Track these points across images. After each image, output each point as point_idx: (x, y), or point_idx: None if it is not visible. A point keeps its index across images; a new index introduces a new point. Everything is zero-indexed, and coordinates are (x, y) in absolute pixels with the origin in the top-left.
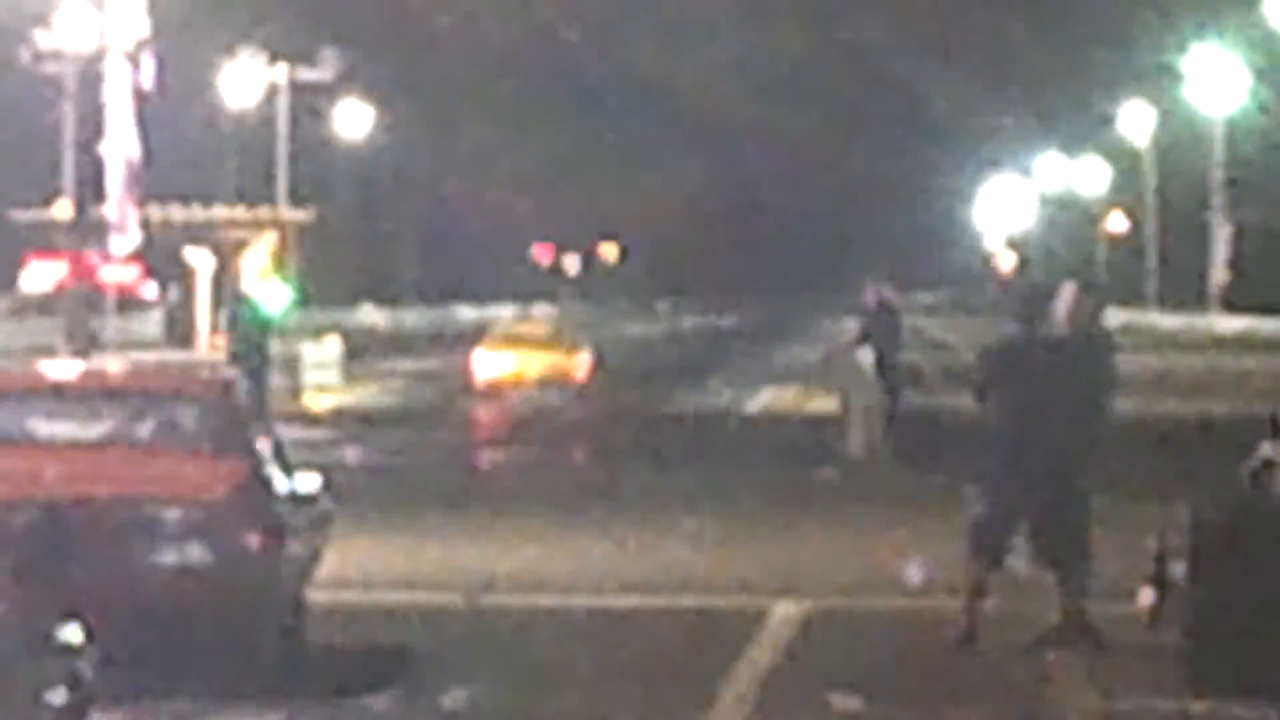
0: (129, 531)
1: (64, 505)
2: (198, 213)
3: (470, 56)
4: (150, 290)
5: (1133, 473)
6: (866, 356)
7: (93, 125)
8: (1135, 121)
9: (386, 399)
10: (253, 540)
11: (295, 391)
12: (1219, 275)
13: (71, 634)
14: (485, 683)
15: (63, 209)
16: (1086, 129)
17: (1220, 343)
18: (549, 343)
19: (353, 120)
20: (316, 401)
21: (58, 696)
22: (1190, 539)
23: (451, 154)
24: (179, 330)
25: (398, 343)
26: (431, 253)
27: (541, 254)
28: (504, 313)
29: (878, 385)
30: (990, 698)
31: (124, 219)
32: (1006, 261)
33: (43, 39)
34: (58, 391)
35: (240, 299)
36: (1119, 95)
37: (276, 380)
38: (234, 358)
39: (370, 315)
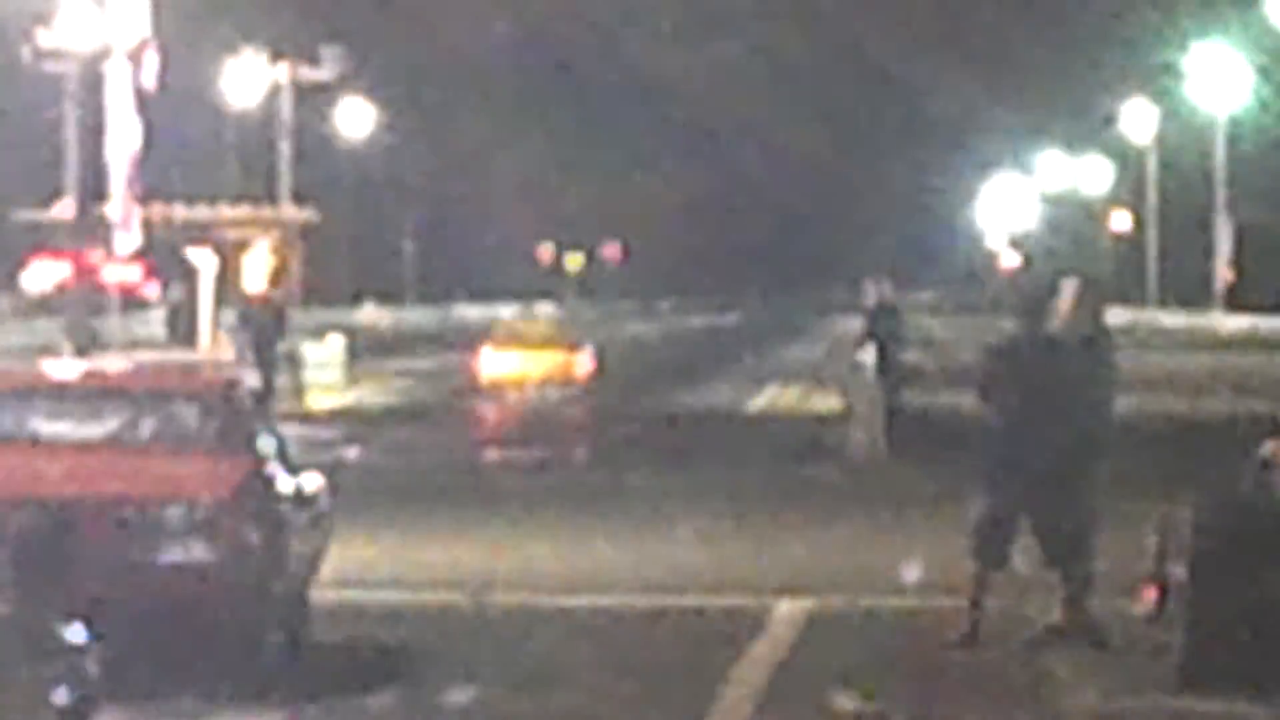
0: (132, 531)
1: (67, 505)
2: (200, 212)
3: (472, 56)
4: (152, 290)
5: (1134, 471)
6: (868, 355)
7: (95, 125)
8: (1137, 120)
9: (388, 398)
10: (255, 539)
11: (297, 391)
12: (1221, 274)
13: (75, 633)
14: (487, 682)
15: (65, 208)
16: (1088, 127)
17: (1222, 341)
18: (551, 342)
19: (355, 120)
20: (318, 401)
21: (62, 695)
22: (1192, 538)
23: (453, 153)
24: (181, 330)
25: (400, 342)
26: (433, 252)
27: (543, 253)
28: (506, 312)
29: (879, 384)
30: (992, 697)
31: (126, 218)
32: (1009, 260)
33: (44, 38)
34: (60, 391)
35: (250, 299)
36: (1121, 93)
37: (279, 379)
38: (244, 358)
39: (372, 314)
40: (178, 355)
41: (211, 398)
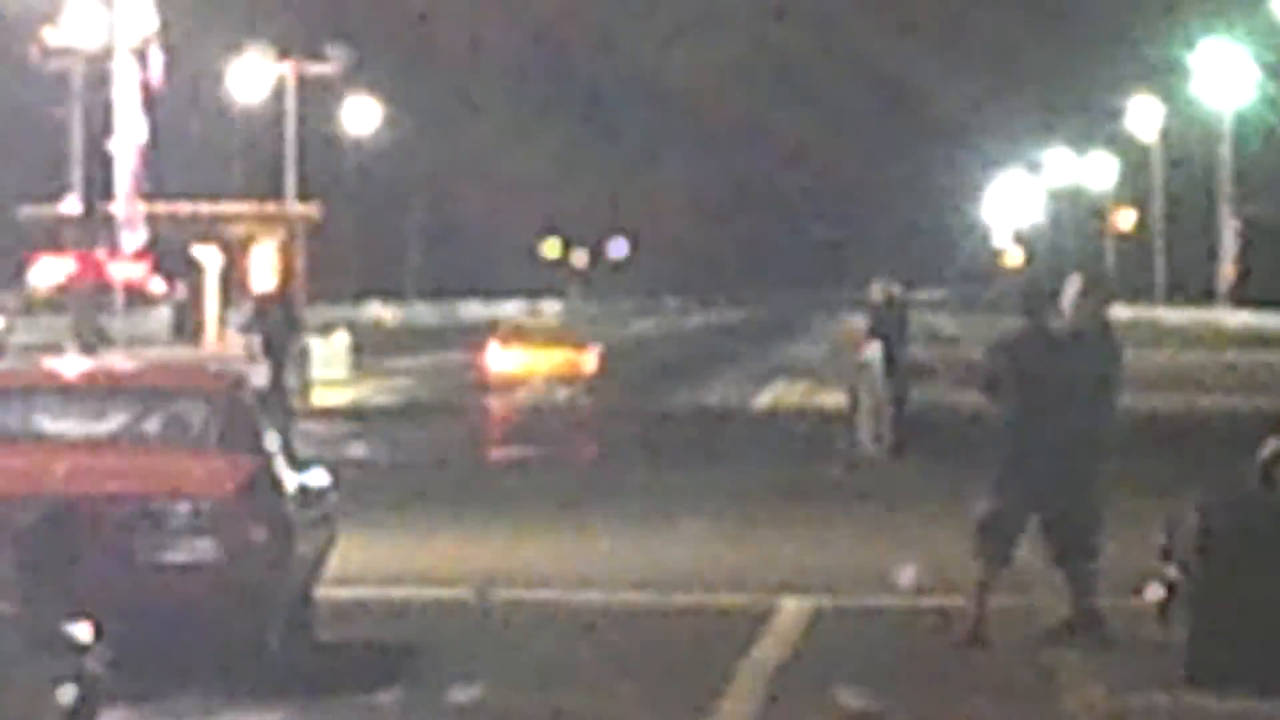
0: (137, 528)
1: (72, 502)
2: (205, 208)
3: (478, 52)
4: (158, 286)
5: (1140, 468)
6: (874, 352)
7: (101, 122)
8: (1143, 116)
9: (394, 395)
10: (260, 536)
11: (303, 387)
12: (1227, 270)
13: (80, 631)
14: (492, 678)
15: (71, 206)
16: (1094, 124)
17: (1227, 338)
18: (558, 339)
19: (361, 116)
20: (324, 397)
21: (67, 694)
22: (1197, 535)
23: (459, 150)
24: (187, 326)
25: (405, 338)
26: (439, 248)
27: (549, 250)
28: (511, 309)
29: (885, 381)
30: (998, 694)
31: (132, 215)
32: (1015, 257)
33: (50, 36)
34: (66, 388)
35: (262, 298)
36: (1127, 90)
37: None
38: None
39: (378, 311)
40: (183, 352)
41: (217, 396)
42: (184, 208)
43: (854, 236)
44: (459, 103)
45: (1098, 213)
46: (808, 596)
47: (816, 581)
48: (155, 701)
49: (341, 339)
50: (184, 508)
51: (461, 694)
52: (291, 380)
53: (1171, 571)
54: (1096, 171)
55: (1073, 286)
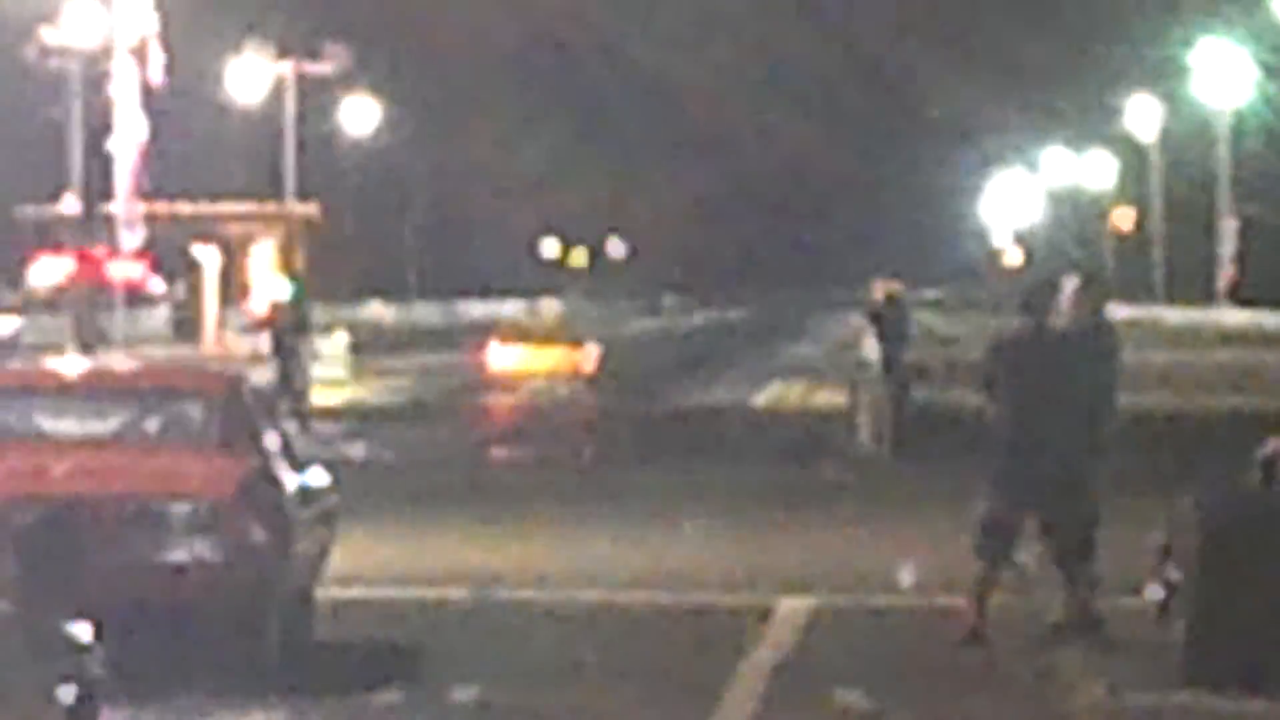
0: (137, 528)
1: (71, 503)
2: (205, 208)
3: (478, 52)
4: (157, 286)
5: (1139, 468)
6: (873, 352)
7: (100, 122)
8: (1142, 116)
9: (393, 394)
10: (260, 536)
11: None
12: (1226, 270)
13: (80, 631)
14: (492, 678)
15: (70, 205)
16: (1093, 123)
17: (1226, 337)
18: (557, 337)
19: (360, 115)
20: (323, 397)
21: (67, 694)
22: (1197, 534)
23: (458, 149)
24: (186, 326)
25: (404, 338)
26: (438, 248)
27: (548, 250)
28: (510, 308)
29: (884, 381)
30: (997, 694)
31: (131, 215)
32: (1014, 257)
33: (49, 35)
34: (65, 388)
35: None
36: (1125, 90)
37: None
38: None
39: (377, 310)
40: (182, 352)
41: (216, 395)
42: (183, 207)
43: (853, 236)
44: (458, 102)
45: (1097, 212)
46: (807, 596)
47: (816, 581)
48: (155, 701)
49: (341, 339)
50: (183, 508)
51: (461, 694)
52: (300, 381)
53: (1171, 571)
54: (1095, 171)
55: (1070, 286)
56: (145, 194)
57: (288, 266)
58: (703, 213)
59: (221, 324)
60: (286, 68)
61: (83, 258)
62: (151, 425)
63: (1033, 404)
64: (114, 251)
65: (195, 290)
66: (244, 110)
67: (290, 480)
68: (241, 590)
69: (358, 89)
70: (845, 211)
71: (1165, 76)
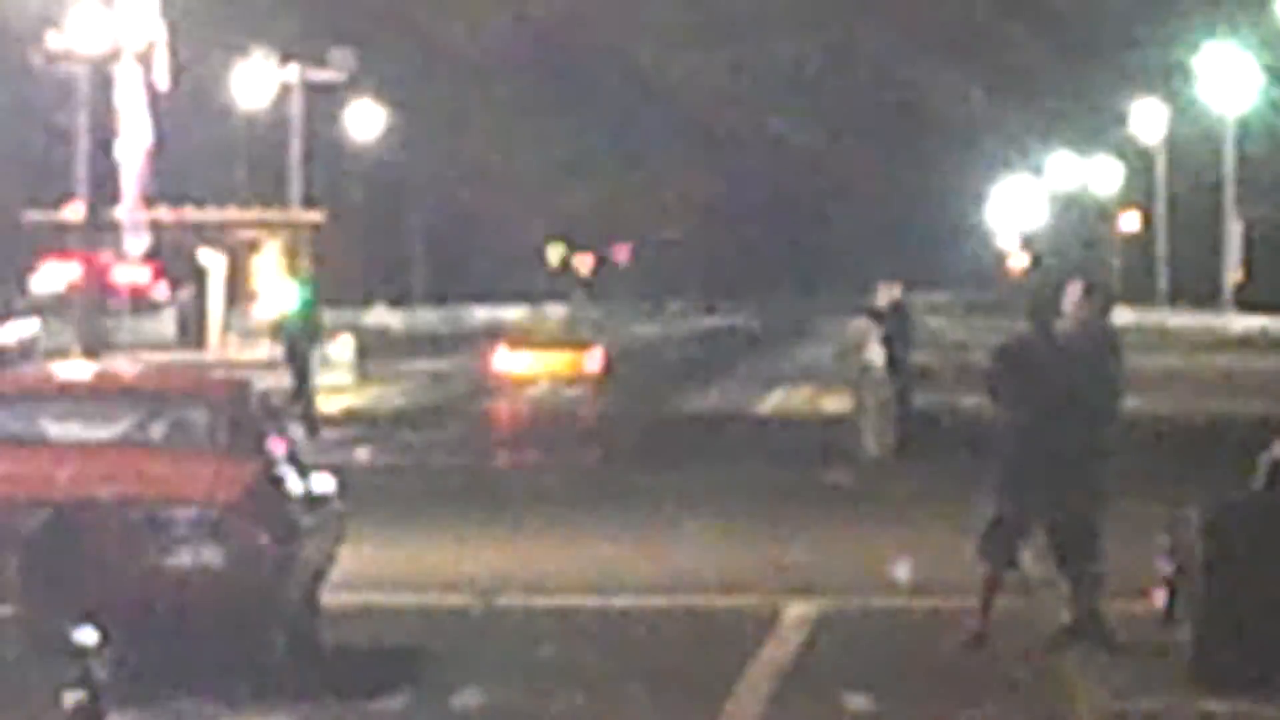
0: (142, 533)
1: (77, 507)
2: (210, 213)
3: (482, 58)
4: (162, 291)
5: (1144, 472)
6: (878, 356)
7: (105, 127)
8: (1147, 120)
9: (399, 399)
10: (266, 541)
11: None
12: (1231, 274)
13: (86, 635)
14: (497, 683)
15: (75, 210)
16: (1098, 128)
17: (1232, 342)
18: (563, 341)
19: (365, 121)
20: (329, 402)
21: (71, 698)
22: (1202, 538)
23: (463, 155)
24: (191, 331)
25: (410, 343)
26: (443, 253)
27: (553, 255)
28: (515, 314)
29: (890, 385)
30: (1002, 697)
31: (136, 220)
32: (1019, 261)
33: (54, 40)
34: (71, 393)
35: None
36: (1130, 94)
37: (287, 381)
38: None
39: (382, 316)
40: (187, 357)
41: (221, 401)
42: (188, 213)
43: (858, 240)
44: (463, 108)
45: (1102, 216)
46: (813, 599)
47: (821, 584)
48: (160, 705)
49: (347, 344)
50: (189, 513)
51: (466, 699)
52: (309, 387)
53: (1176, 574)
54: (1100, 175)
55: (1074, 290)
56: (151, 199)
57: (299, 272)
58: (706, 218)
59: (226, 329)
60: (292, 73)
61: (88, 263)
62: (158, 430)
63: (1037, 409)
64: (119, 257)
65: (200, 296)
66: (249, 116)
67: (296, 485)
68: (247, 595)
69: (363, 95)
70: (850, 216)
71: (1170, 81)
